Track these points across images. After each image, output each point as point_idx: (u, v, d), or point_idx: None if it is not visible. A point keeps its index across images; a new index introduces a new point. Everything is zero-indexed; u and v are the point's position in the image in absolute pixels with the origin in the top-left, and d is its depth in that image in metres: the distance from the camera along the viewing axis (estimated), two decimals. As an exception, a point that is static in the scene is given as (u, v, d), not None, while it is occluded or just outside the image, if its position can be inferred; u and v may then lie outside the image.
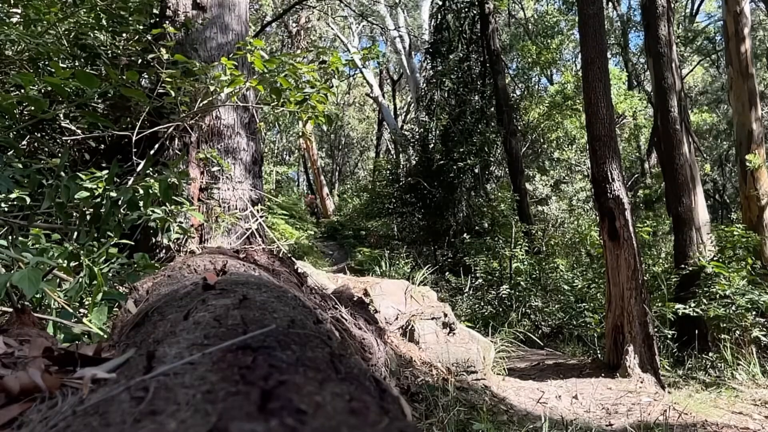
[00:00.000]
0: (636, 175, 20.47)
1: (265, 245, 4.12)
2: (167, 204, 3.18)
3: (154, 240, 3.75)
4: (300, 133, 20.78)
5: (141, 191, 2.78)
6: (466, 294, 10.29)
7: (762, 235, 8.19)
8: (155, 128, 3.68)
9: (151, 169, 3.35)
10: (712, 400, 4.77)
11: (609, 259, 5.69)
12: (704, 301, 6.80)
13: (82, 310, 2.18)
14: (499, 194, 11.56)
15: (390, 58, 24.81)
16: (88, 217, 2.57)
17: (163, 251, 3.77)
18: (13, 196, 2.56)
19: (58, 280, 2.32)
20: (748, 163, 8.63)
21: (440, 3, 14.55)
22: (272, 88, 3.56)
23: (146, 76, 3.86)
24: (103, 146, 4.09)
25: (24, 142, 3.63)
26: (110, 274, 2.65)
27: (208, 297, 0.95)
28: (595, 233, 10.45)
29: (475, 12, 13.88)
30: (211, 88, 3.54)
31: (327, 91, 3.71)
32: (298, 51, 16.92)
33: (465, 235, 11.18)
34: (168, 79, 3.45)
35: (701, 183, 9.25)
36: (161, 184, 2.84)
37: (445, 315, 4.40)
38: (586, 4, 6.10)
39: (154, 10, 4.56)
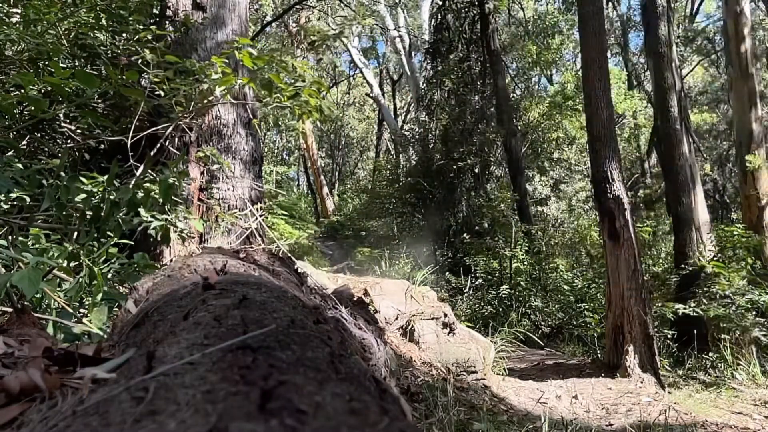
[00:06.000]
0: (636, 175, 20.46)
1: (265, 245, 4.12)
2: (167, 205, 3.18)
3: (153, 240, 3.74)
4: (300, 131, 20.74)
5: (141, 193, 2.78)
6: (466, 294, 10.28)
7: (762, 235, 8.19)
8: (154, 128, 3.68)
9: (151, 169, 3.35)
10: (712, 400, 4.77)
11: (609, 259, 5.69)
12: (704, 301, 6.80)
13: (82, 310, 2.18)
14: (499, 194, 11.56)
15: (390, 58, 24.81)
16: (88, 218, 2.57)
17: (163, 252, 3.77)
18: (13, 196, 2.56)
19: (58, 280, 2.32)
20: (748, 163, 8.63)
21: (440, 3, 14.55)
22: (263, 84, 3.57)
23: (146, 76, 3.86)
24: (102, 146, 4.09)
25: (24, 142, 3.63)
26: (110, 274, 2.65)
27: (208, 297, 0.95)
28: (595, 233, 10.45)
29: (475, 12, 13.88)
30: (205, 87, 3.54)
31: (319, 85, 3.70)
32: (298, 51, 16.91)
33: (465, 235, 11.18)
34: (156, 80, 3.46)
35: (701, 183, 9.26)
36: (162, 185, 2.84)
37: (445, 315, 4.40)
38: (586, 3, 6.10)
39: (154, 10, 4.56)
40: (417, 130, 14.49)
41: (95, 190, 2.65)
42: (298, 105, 3.61)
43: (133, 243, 2.99)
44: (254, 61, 3.43)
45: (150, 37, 3.74)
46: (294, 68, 3.67)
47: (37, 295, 2.04)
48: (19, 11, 3.72)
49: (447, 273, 10.93)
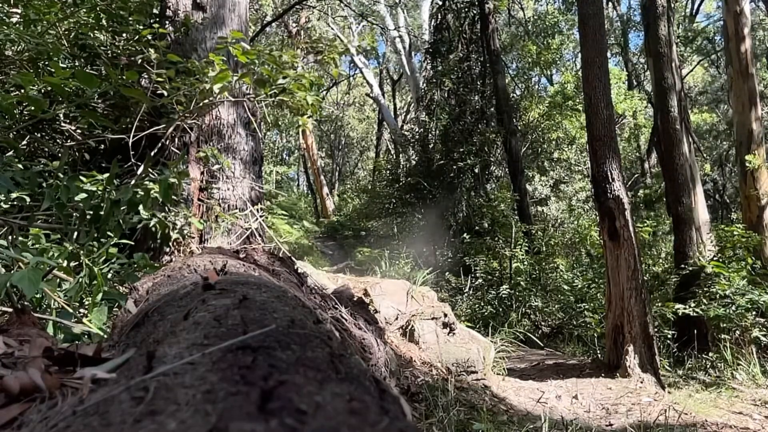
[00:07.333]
0: (636, 175, 20.47)
1: (265, 245, 4.12)
2: (167, 205, 3.18)
3: (153, 240, 3.74)
4: (303, 127, 20.71)
5: (141, 192, 2.78)
6: (466, 294, 10.28)
7: (762, 235, 8.19)
8: (155, 128, 3.68)
9: (151, 168, 3.35)
10: (712, 400, 4.76)
11: (609, 259, 5.69)
12: (704, 301, 6.80)
13: (82, 310, 2.18)
14: (499, 194, 11.56)
15: (390, 58, 24.81)
16: (88, 217, 2.57)
17: (163, 252, 3.77)
18: (13, 196, 2.56)
19: (58, 280, 2.32)
20: (748, 163, 8.63)
21: (440, 3, 14.55)
22: (257, 79, 3.58)
23: (146, 76, 3.86)
24: (103, 146, 4.09)
25: (24, 142, 3.63)
26: (110, 274, 2.65)
27: (208, 297, 0.95)
28: (595, 233, 10.45)
29: (475, 12, 13.88)
30: (206, 87, 3.55)
31: (303, 78, 3.70)
32: (298, 51, 16.92)
33: (465, 235, 11.18)
34: (159, 79, 3.46)
35: (701, 183, 9.26)
36: (162, 184, 2.85)
37: (445, 315, 4.40)
38: (586, 4, 6.10)
39: (154, 10, 4.56)
40: (417, 130, 14.50)
41: (95, 189, 2.65)
42: (292, 100, 3.62)
43: (133, 243, 2.99)
44: (245, 54, 3.44)
45: (150, 37, 3.74)
46: (286, 62, 3.68)
47: (37, 295, 2.04)
48: (19, 11, 3.72)
49: (447, 273, 10.94)
